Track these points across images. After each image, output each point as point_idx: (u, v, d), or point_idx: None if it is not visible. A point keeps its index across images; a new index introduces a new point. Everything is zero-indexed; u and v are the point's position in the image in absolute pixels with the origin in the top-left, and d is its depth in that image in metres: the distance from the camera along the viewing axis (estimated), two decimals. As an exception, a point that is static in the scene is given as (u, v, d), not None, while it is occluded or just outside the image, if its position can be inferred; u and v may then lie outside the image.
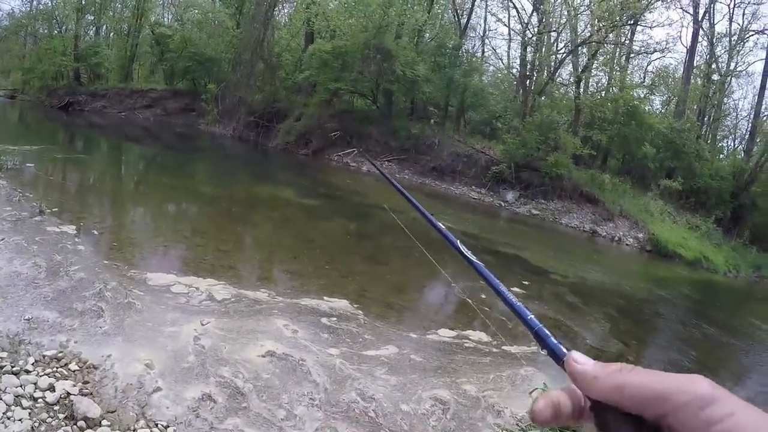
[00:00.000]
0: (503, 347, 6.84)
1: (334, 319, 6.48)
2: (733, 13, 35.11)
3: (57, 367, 4.39)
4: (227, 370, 4.72)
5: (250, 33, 32.65)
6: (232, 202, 13.62)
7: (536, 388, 5.66)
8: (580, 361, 0.66)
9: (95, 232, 8.04)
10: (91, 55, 37.66)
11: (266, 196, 15.25)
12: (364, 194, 19.11)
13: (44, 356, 4.49)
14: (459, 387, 5.43)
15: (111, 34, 44.09)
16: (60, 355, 4.56)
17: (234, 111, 31.69)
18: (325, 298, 7.10)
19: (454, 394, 5.25)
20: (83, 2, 38.26)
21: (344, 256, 10.40)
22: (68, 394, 4.09)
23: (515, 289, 10.08)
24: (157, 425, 3.94)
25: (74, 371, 4.39)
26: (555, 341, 0.71)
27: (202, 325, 5.49)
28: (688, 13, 33.68)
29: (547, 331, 0.73)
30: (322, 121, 28.51)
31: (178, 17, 39.22)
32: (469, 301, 8.79)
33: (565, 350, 0.69)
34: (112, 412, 4.00)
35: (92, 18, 41.00)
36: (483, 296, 9.18)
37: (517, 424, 5.00)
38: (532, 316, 0.75)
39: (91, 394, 4.15)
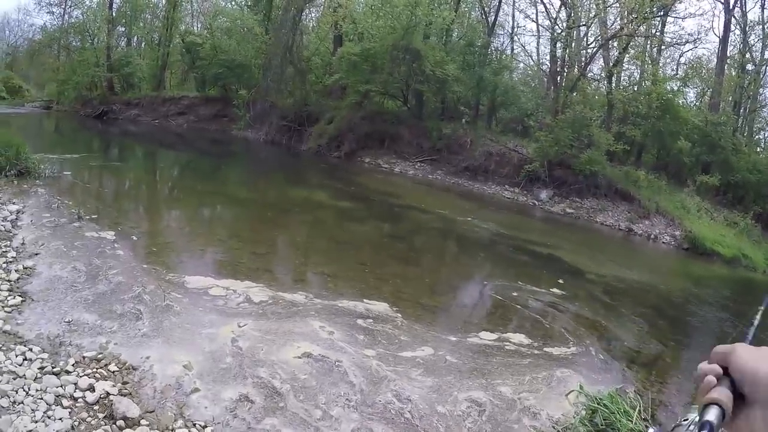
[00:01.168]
0: (538, 348, 6.80)
1: (370, 320, 6.49)
2: (765, 1, 34.08)
3: (97, 368, 4.46)
4: (264, 371, 4.75)
5: (279, 38, 32.80)
6: (267, 206, 13.72)
7: (572, 390, 5.61)
8: None
9: (133, 237, 8.16)
10: (123, 65, 38.14)
11: (300, 199, 15.32)
12: (397, 195, 19.11)
13: (84, 357, 4.57)
14: (494, 389, 5.40)
15: (142, 44, 44.63)
16: (100, 356, 4.63)
17: (265, 116, 31.91)
18: (360, 299, 7.11)
19: (489, 395, 5.23)
20: (114, 14, 38.79)
21: (378, 257, 10.42)
22: (108, 394, 4.15)
23: (554, 290, 9.99)
24: (195, 425, 3.98)
25: (114, 372, 4.46)
26: None
27: (240, 326, 5.53)
28: (719, 1, 32.90)
29: None
30: (354, 124, 28.57)
31: (208, 25, 39.55)
32: (505, 301, 8.76)
33: None
34: (151, 412, 4.05)
35: (123, 29, 41.57)
36: (515, 294, 9.14)
37: (553, 427, 4.97)
38: None
39: (131, 394, 4.21)
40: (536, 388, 5.62)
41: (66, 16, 40.22)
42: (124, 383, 4.33)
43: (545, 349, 6.88)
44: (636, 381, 6.67)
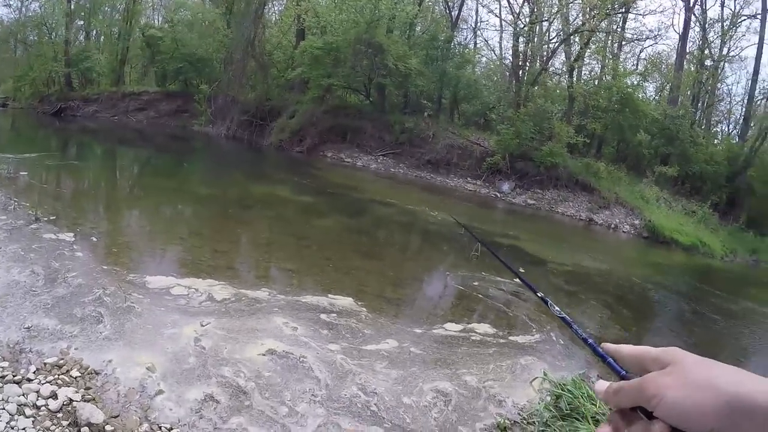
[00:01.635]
0: (502, 337, 6.88)
1: (334, 315, 6.49)
2: (724, -1, 35.14)
3: (59, 375, 4.39)
4: (229, 370, 4.74)
5: (241, 32, 32.51)
6: (228, 202, 13.60)
7: (536, 377, 5.71)
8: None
9: (92, 238, 8.04)
10: (82, 60, 37.39)
11: (262, 195, 15.25)
12: (360, 189, 19.15)
13: (45, 364, 4.50)
14: (460, 378, 5.45)
15: (101, 38, 43.85)
16: (61, 362, 4.57)
17: (227, 111, 31.64)
18: (323, 294, 7.12)
19: (455, 385, 5.28)
20: (72, 7, 38.02)
21: (342, 252, 10.42)
22: (71, 400, 4.10)
23: (517, 280, 10.12)
24: (160, 428, 3.96)
25: (76, 378, 4.40)
26: None
27: (202, 326, 5.50)
28: (680, -1, 33.73)
29: None
30: (316, 118, 28.49)
31: (168, 19, 39.03)
32: (468, 291, 8.84)
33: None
34: (116, 417, 4.01)
35: (82, 23, 40.73)
36: (478, 285, 9.23)
37: (519, 413, 5.04)
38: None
39: (94, 399, 4.16)
40: (501, 377, 5.69)
41: (23, 9, 39.34)
42: (87, 389, 4.28)
43: (509, 337, 6.97)
44: (599, 366, 6.80)
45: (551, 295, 9.60)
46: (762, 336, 10.89)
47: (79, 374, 4.43)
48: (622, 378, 0.81)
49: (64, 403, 4.05)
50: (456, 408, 4.91)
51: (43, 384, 4.23)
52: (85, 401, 4.10)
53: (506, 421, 4.85)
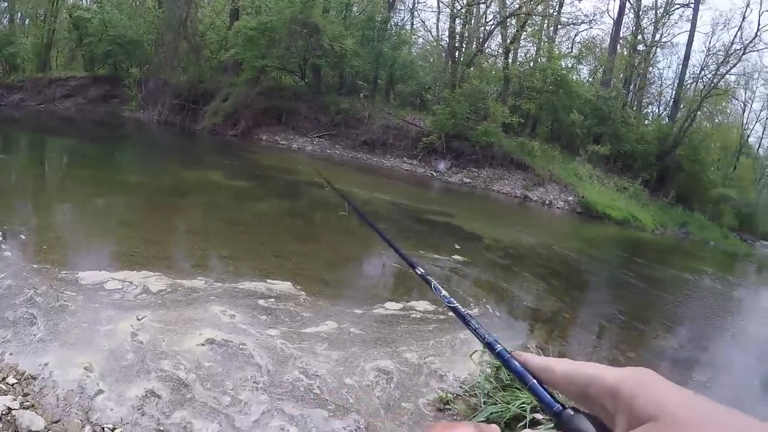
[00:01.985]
0: (441, 313, 6.94)
1: (272, 300, 6.44)
2: (659, -14, 36.47)
3: (-6, 384, 4.26)
4: (168, 363, 4.66)
5: (173, 12, 31.68)
6: (161, 190, 13.30)
7: (476, 350, 5.80)
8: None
9: (20, 236, 7.72)
10: (5, 45, 35.84)
11: (195, 181, 14.97)
12: (295, 172, 19.01)
13: (-21, 374, 4.35)
14: (400, 356, 5.49)
15: (27, 21, 42.12)
16: (-4, 370, 4.43)
17: (158, 95, 30.86)
18: (261, 280, 7.05)
19: (396, 363, 5.31)
20: (-5, -12, 36.52)
21: (278, 235, 10.35)
22: (9, 409, 3.97)
23: (454, 256, 10.26)
24: (103, 429, 3.87)
25: (12, 385, 4.26)
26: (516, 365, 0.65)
27: (138, 319, 5.38)
28: (616, -15, 34.80)
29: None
30: (250, 101, 28.13)
31: (97, -1, 37.74)
32: (406, 270, 8.91)
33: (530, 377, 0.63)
34: (57, 422, 3.91)
35: (6, 4, 39.06)
36: (414, 262, 9.30)
37: (460, 386, 5.11)
38: (501, 348, 0.69)
39: (33, 406, 4.04)
40: (441, 352, 5.75)
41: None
42: (25, 395, 4.15)
43: (448, 313, 7.04)
44: (537, 337, 6.97)
45: (487, 270, 9.79)
46: (684, 300, 11.43)
47: (16, 381, 4.30)
48: (555, 415, 0.56)
49: (3, 412, 3.93)
50: (398, 385, 4.95)
51: (-22, 395, 4.10)
52: (24, 408, 3.98)
53: (448, 394, 4.91)
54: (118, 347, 4.81)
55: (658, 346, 7.90)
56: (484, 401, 4.81)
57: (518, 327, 7.19)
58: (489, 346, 0.71)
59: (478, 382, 5.10)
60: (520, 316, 7.83)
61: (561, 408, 0.56)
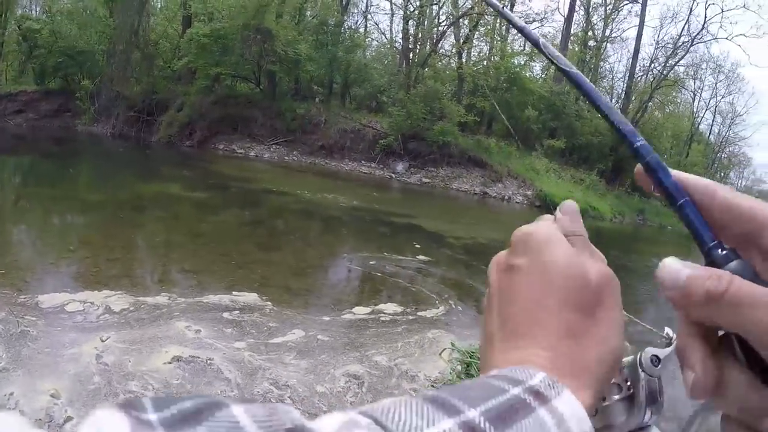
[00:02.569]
0: (408, 314, 7.03)
1: (237, 312, 6.44)
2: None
3: (-44, 418, 4.19)
4: (135, 384, 4.65)
5: (124, 21, 31.25)
6: (118, 206, 13.10)
7: (445, 348, 5.89)
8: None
9: (-25, 261, 7.62)
10: (-49, 59, 35.05)
11: (153, 195, 14.81)
12: (254, 180, 18.96)
13: (-59, 407, 4.30)
14: (370, 360, 5.54)
15: (-27, 33, 41.07)
16: (-42, 404, 4.37)
17: (112, 107, 30.38)
18: (225, 292, 7.04)
19: (366, 367, 5.36)
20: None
21: (240, 246, 10.31)
22: (-27, 444, 3.93)
23: (418, 256, 10.35)
24: (75, 458, 3.87)
25: (-23, 418, 4.21)
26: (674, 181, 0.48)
27: (102, 341, 5.34)
28: (566, -17, 35.61)
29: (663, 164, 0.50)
30: (205, 110, 27.91)
31: (47, 9, 36.80)
32: (370, 273, 8.99)
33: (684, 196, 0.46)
34: (26, 453, 3.88)
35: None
36: (379, 265, 9.38)
37: (432, 385, 5.18)
38: (643, 142, 0.51)
39: (0, 438, 4.01)
40: (410, 352, 5.81)
41: None
42: (-8, 428, 4.11)
43: (416, 314, 7.13)
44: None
45: (451, 267, 9.92)
46: (649, 287, 11.63)
47: (-20, 414, 4.25)
48: (707, 254, 0.42)
49: (-34, 447, 3.89)
50: (370, 388, 5.00)
51: (-59, 432, 4.03)
52: (-10, 441, 3.95)
53: (420, 394, 4.99)
54: (84, 371, 4.77)
55: (634, 331, 8.05)
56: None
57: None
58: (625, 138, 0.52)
59: (450, 380, 5.19)
60: (486, 311, 7.94)
61: (720, 247, 0.42)
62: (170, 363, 5.03)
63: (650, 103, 35.26)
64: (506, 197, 24.12)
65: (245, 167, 22.65)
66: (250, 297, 6.98)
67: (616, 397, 0.55)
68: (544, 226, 0.57)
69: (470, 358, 5.48)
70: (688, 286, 0.39)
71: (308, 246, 11.41)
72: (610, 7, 37.45)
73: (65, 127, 31.15)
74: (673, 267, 0.41)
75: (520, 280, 0.53)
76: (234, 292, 7.07)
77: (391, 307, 7.20)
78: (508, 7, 33.09)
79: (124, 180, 17.28)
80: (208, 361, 5.11)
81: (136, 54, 32.11)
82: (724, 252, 0.41)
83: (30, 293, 6.44)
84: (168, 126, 28.29)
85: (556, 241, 0.54)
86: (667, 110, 43.67)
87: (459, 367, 5.42)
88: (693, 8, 37.44)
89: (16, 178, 17.60)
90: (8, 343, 5.15)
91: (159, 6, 39.01)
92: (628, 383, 0.56)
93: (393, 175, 25.32)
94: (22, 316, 5.73)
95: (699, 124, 51.18)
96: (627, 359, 0.56)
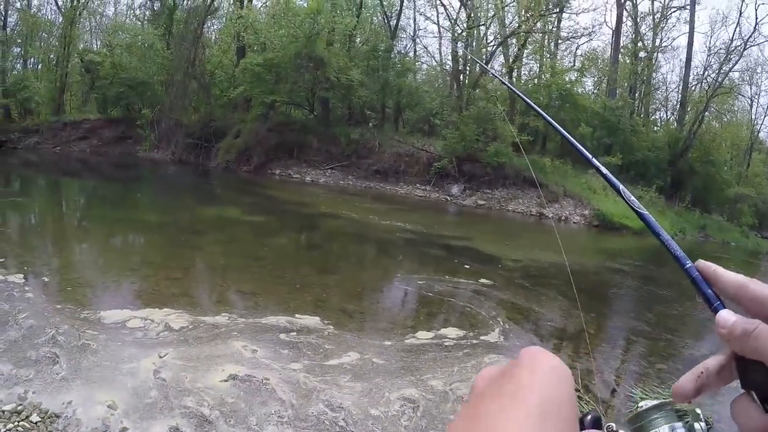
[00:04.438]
0: (464, 339, 6.94)
1: (293, 333, 6.47)
2: (655, -8, 36.64)
3: (18, 421, 4.30)
4: (191, 400, 4.70)
5: (181, 53, 32.25)
6: (179, 228, 13.43)
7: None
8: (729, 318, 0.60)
9: (42, 277, 7.86)
10: (20, 90, 36.32)
11: (212, 218, 15.10)
12: (310, 205, 19.15)
13: (4, 411, 4.42)
14: (425, 384, 5.47)
15: (39, 65, 42.70)
16: (20, 408, 4.47)
17: (171, 134, 31.23)
18: (282, 314, 7.08)
19: (421, 391, 5.30)
20: (8, 34, 37.08)
21: (296, 268, 10.38)
22: (33, 448, 4.03)
23: (475, 279, 10.25)
24: (128, 465, 3.92)
25: (36, 423, 4.32)
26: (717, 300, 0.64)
27: (161, 357, 5.43)
28: (611, -4, 35.10)
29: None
30: (261, 136, 28.37)
31: (107, 43, 38.12)
32: (426, 296, 8.94)
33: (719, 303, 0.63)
34: (82, 459, 3.96)
35: (19, 50, 39.73)
36: (437, 289, 9.32)
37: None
38: (691, 265, 0.67)
39: (57, 444, 4.10)
40: (467, 377, 5.71)
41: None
42: (50, 433, 4.21)
43: (471, 338, 7.03)
44: (563, 355, 6.91)
45: (508, 291, 9.78)
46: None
47: (40, 419, 4.36)
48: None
49: (27, 450, 3.99)
50: (425, 413, 4.94)
51: (3, 432, 4.15)
52: (48, 447, 4.05)
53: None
54: (141, 385, 4.85)
55: (688, 356, 7.77)
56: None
57: (543, 345, 7.17)
58: (678, 260, 0.70)
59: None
60: (544, 335, 7.81)
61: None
62: (226, 381, 5.07)
63: (706, 112, 34.20)
64: (563, 217, 23.78)
65: (302, 192, 22.90)
66: (307, 319, 7.00)
67: None
68: None
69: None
70: (733, 325, 0.58)
71: (363, 269, 11.42)
72: (658, 15, 36.70)
73: (127, 153, 32.10)
74: (725, 316, 0.60)
75: None
76: (291, 314, 7.10)
77: (448, 331, 7.13)
78: (555, 23, 32.96)
79: (185, 203, 17.66)
80: (264, 381, 5.14)
81: (193, 84, 33.01)
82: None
83: (92, 309, 6.60)
84: (226, 152, 28.86)
85: None
86: (725, 119, 42.27)
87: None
88: (742, 10, 36.38)
89: (81, 200, 18.15)
90: (69, 355, 5.28)
91: (213, 38, 39.98)
92: None
93: (448, 198, 25.24)
94: (84, 330, 5.87)
95: (759, 131, 49.04)
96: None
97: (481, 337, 7.11)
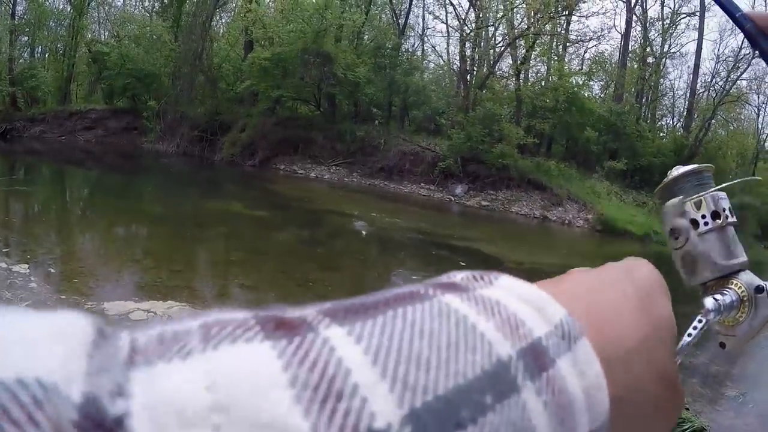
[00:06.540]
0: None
1: (294, 330, 6.46)
2: (664, -2, 36.59)
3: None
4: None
5: (188, 45, 32.15)
6: (182, 220, 13.43)
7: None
8: None
9: (45, 266, 7.87)
10: (27, 78, 36.24)
11: (215, 211, 15.08)
12: (314, 201, 19.13)
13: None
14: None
15: (46, 54, 42.68)
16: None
17: (177, 126, 31.13)
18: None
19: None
20: (16, 23, 37.05)
21: (299, 264, 10.39)
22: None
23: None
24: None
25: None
26: None
27: (163, 350, 5.43)
28: (621, 0, 35.01)
29: None
30: (267, 131, 28.34)
31: (115, 33, 38.15)
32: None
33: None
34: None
35: (26, 39, 39.67)
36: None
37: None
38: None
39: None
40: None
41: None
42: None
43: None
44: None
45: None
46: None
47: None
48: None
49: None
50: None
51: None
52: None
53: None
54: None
55: (687, 363, 7.75)
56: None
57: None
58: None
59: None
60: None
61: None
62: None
63: (713, 120, 34.14)
64: (567, 221, 23.71)
65: (306, 187, 22.87)
66: (308, 316, 6.99)
67: None
68: None
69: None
70: None
71: (366, 267, 11.43)
72: (668, 21, 36.62)
73: (132, 144, 32.00)
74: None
75: None
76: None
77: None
78: (564, 25, 32.93)
79: (189, 196, 17.66)
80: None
81: (200, 77, 32.93)
82: None
83: (96, 300, 6.60)
84: (231, 146, 28.79)
85: None
86: (731, 128, 42.14)
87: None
88: (752, 18, 36.27)
89: (86, 190, 18.16)
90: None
91: (221, 32, 39.95)
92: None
93: (452, 198, 25.21)
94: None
95: (765, 141, 48.95)
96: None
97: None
